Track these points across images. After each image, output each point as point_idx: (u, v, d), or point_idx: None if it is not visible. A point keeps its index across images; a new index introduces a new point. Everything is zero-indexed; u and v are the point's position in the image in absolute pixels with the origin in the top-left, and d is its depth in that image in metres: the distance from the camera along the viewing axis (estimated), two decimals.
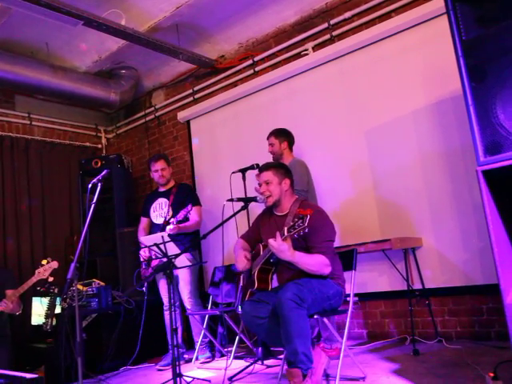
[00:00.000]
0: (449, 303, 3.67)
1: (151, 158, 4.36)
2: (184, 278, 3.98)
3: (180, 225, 3.83)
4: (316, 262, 2.59)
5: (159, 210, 4.24)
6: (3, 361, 3.70)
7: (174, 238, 3.49)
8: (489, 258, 3.37)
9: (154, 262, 3.85)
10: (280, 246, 2.46)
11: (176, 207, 4.08)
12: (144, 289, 4.01)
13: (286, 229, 2.45)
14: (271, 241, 2.49)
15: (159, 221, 4.19)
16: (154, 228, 4.17)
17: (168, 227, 3.81)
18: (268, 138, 3.88)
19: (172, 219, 3.86)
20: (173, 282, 2.43)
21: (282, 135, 3.82)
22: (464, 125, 3.56)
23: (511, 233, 2.02)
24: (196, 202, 4.14)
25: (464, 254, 3.60)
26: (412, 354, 3.23)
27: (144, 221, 4.38)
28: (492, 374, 2.27)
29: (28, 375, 2.67)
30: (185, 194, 4.19)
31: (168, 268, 2.32)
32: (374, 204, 4.07)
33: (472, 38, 2.08)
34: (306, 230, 2.39)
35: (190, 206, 3.68)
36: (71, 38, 4.89)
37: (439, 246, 3.71)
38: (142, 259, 3.99)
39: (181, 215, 3.68)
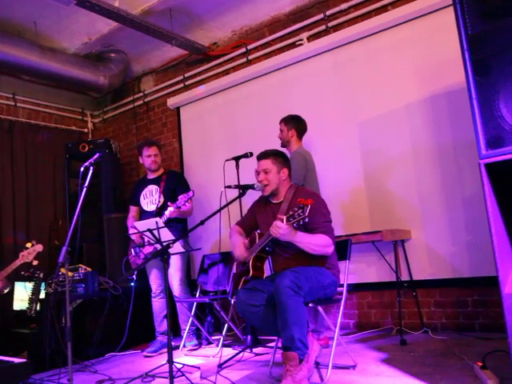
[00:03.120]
0: (435, 295, 3.74)
1: (144, 143, 4.30)
2: (175, 264, 3.96)
3: (180, 209, 3.79)
4: (319, 242, 2.61)
5: (150, 197, 4.18)
6: None
7: (167, 224, 3.46)
8: (476, 251, 3.48)
9: (147, 249, 3.80)
10: (280, 228, 2.46)
11: (167, 194, 4.05)
12: (134, 276, 3.97)
13: (285, 217, 2.45)
14: (271, 228, 2.49)
15: (151, 208, 4.13)
16: (144, 215, 4.11)
17: (169, 209, 3.75)
18: (280, 123, 3.83)
19: (167, 210, 3.80)
20: (166, 269, 2.41)
21: (291, 122, 3.76)
22: (456, 120, 3.66)
23: (509, 225, 2.06)
24: (188, 188, 4.11)
25: (452, 247, 3.66)
26: (399, 344, 3.28)
27: (133, 209, 4.32)
28: (481, 364, 2.33)
29: (16, 360, 2.63)
30: (176, 181, 4.16)
31: (166, 253, 2.29)
32: (364, 196, 4.10)
33: (477, 32, 2.09)
34: (306, 220, 2.39)
35: (191, 192, 3.64)
36: (60, 18, 4.77)
37: (428, 239, 3.77)
38: (133, 245, 3.94)
39: (181, 201, 3.64)
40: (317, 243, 2.61)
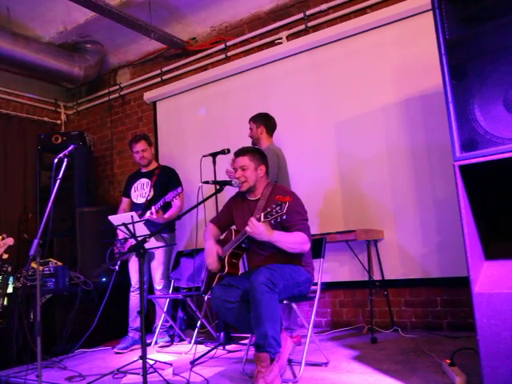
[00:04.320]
0: (405, 294, 3.82)
1: (131, 139, 4.28)
2: (158, 258, 3.96)
3: (165, 215, 3.85)
4: (295, 240, 2.63)
5: (140, 190, 4.17)
6: None
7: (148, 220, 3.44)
8: (446, 252, 3.57)
9: (129, 243, 3.75)
10: (256, 228, 2.47)
11: (158, 189, 4.04)
12: (117, 267, 3.91)
13: (262, 214, 2.45)
14: (247, 227, 2.49)
15: (140, 201, 4.12)
16: (134, 208, 4.08)
17: (148, 214, 3.74)
18: (249, 122, 3.84)
19: (153, 206, 3.78)
20: (143, 264, 2.38)
21: (259, 120, 3.78)
22: (430, 123, 3.74)
23: (479, 226, 2.11)
24: (179, 185, 4.08)
25: (423, 247, 3.74)
26: (370, 342, 3.33)
27: (125, 201, 4.30)
28: (449, 361, 2.39)
29: None
30: (168, 177, 4.14)
31: (141, 248, 2.26)
32: (339, 195, 4.15)
33: (455, 37, 2.14)
34: (284, 217, 2.40)
35: (180, 189, 3.62)
36: (35, 5, 4.65)
37: (399, 239, 3.84)
38: (120, 237, 3.89)
39: (170, 196, 3.62)
40: (294, 241, 2.62)
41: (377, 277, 3.86)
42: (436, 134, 3.67)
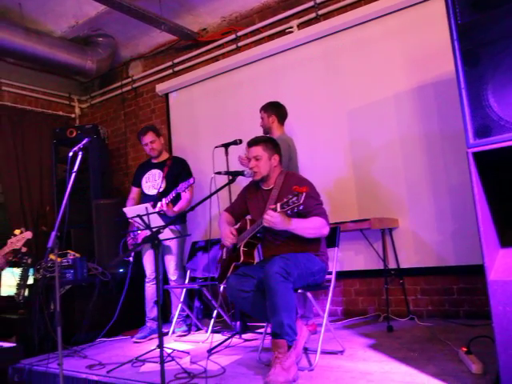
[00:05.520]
0: (421, 283, 3.80)
1: (139, 132, 4.26)
2: (172, 249, 3.99)
3: (175, 209, 3.86)
4: (314, 225, 2.63)
5: (152, 182, 4.17)
6: None
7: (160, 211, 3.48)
8: (461, 240, 3.54)
9: (142, 234, 3.80)
10: (274, 218, 2.47)
11: (170, 180, 4.03)
12: (131, 259, 3.97)
13: (279, 205, 2.45)
14: (265, 219, 2.49)
15: (152, 192, 4.12)
16: (145, 199, 4.10)
17: (159, 204, 3.76)
18: (260, 111, 3.82)
19: (163, 199, 3.80)
20: (158, 254, 2.41)
21: (270, 109, 3.76)
22: (443, 110, 3.70)
23: (494, 213, 2.10)
24: (191, 176, 4.09)
25: (438, 235, 3.72)
26: (386, 331, 3.34)
27: (134, 190, 4.30)
28: (465, 349, 2.39)
29: (5, 344, 2.63)
30: (179, 168, 4.13)
31: (156, 239, 2.29)
32: (352, 184, 4.14)
33: (467, 22, 2.10)
34: (301, 208, 2.40)
35: (192, 180, 3.64)
36: (46, 0, 4.68)
37: (414, 228, 3.82)
38: (132, 228, 3.94)
39: (181, 187, 3.64)
40: (312, 226, 2.63)
41: (392, 265, 3.85)
42: (449, 121, 3.63)
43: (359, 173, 4.12)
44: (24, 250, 3.83)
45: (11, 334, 4.01)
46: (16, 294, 4.10)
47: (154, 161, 4.25)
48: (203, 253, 4.28)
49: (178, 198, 3.94)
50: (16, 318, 4.07)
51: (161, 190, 4.06)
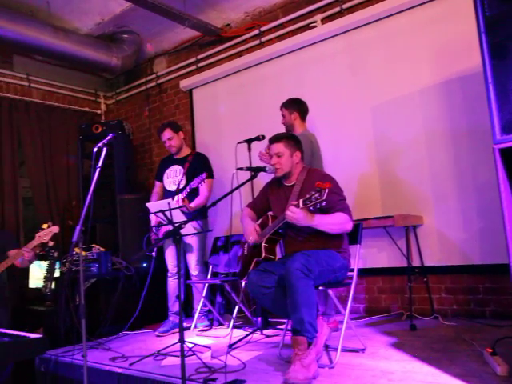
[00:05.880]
0: (446, 281, 3.73)
1: (158, 129, 4.28)
2: (192, 245, 4.01)
3: (192, 205, 3.87)
4: (337, 221, 2.60)
5: (173, 177, 4.18)
6: (4, 321, 3.72)
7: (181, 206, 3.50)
8: (487, 238, 3.46)
9: (164, 229, 3.84)
10: (296, 214, 2.46)
11: (190, 176, 4.02)
12: (153, 253, 4.02)
13: (301, 201, 2.44)
14: (287, 214, 2.48)
15: (172, 188, 4.14)
16: (166, 194, 4.13)
17: (175, 198, 3.79)
18: (280, 109, 3.80)
19: (179, 194, 3.82)
20: (180, 249, 2.43)
21: (291, 106, 3.73)
22: (470, 105, 3.61)
23: None
24: (210, 174, 4.08)
25: (463, 233, 3.64)
26: (409, 329, 3.29)
27: (158, 185, 4.33)
28: (490, 350, 2.33)
29: (31, 335, 2.70)
30: (200, 164, 4.10)
31: (178, 234, 2.31)
32: (376, 181, 4.09)
33: (495, 14, 2.05)
34: (324, 204, 2.38)
35: (204, 174, 3.65)
36: None
37: (439, 225, 3.75)
38: (152, 224, 3.98)
39: (195, 183, 3.66)
40: (335, 222, 2.60)
41: (416, 263, 3.79)
42: (477, 117, 3.53)
43: (383, 169, 4.06)
44: (51, 243, 3.93)
45: (39, 326, 4.12)
46: (43, 286, 4.20)
47: (176, 157, 4.25)
48: (225, 248, 4.30)
49: (197, 193, 3.95)
50: (43, 310, 4.18)
51: (181, 186, 4.07)
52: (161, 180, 4.29)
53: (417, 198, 3.86)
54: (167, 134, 4.15)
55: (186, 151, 4.26)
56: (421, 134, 3.87)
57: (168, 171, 4.24)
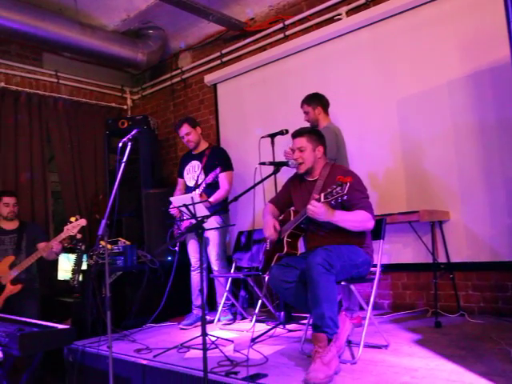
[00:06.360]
0: (473, 278, 3.66)
1: (175, 125, 4.31)
2: (213, 240, 4.02)
3: (211, 199, 3.88)
4: (358, 218, 2.58)
5: (192, 173, 4.20)
6: (34, 312, 3.84)
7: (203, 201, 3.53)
8: None
9: (185, 223, 3.88)
10: (317, 208, 2.45)
11: (208, 170, 4.03)
12: (176, 248, 4.06)
13: (322, 195, 2.43)
14: (308, 208, 2.47)
15: (192, 183, 4.16)
16: (187, 190, 4.16)
17: (195, 192, 3.82)
18: (301, 107, 3.77)
19: (197, 190, 3.85)
20: (202, 243, 2.45)
21: (314, 101, 3.71)
22: (501, 97, 3.51)
23: None
24: (228, 166, 4.08)
25: (491, 229, 3.55)
26: (434, 326, 3.24)
27: (180, 182, 4.36)
28: None
29: (59, 326, 2.77)
30: (217, 158, 4.11)
31: (200, 228, 2.33)
32: (401, 175, 4.03)
33: None
34: (345, 198, 2.37)
35: (218, 169, 3.66)
36: None
37: (467, 221, 3.67)
38: (174, 218, 4.02)
39: (209, 178, 3.69)
40: (356, 219, 2.58)
41: (442, 259, 3.73)
42: (506, 109, 3.44)
43: (409, 163, 4.00)
44: (79, 236, 4.01)
45: (67, 317, 4.23)
46: (71, 278, 4.31)
47: (194, 152, 4.26)
48: (248, 243, 4.31)
49: (218, 187, 3.97)
50: (71, 302, 4.28)
51: (199, 181, 4.07)
52: (182, 176, 4.32)
53: (443, 193, 3.78)
54: (185, 129, 4.15)
55: (203, 145, 4.26)
56: (448, 128, 3.79)
57: (188, 167, 4.26)
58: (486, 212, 3.57)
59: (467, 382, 2.08)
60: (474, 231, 3.63)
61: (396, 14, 4.08)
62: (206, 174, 4.03)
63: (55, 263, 4.76)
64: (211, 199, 3.91)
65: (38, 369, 3.30)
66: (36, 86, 5.57)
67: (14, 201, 4.17)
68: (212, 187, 3.97)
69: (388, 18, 4.13)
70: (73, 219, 3.89)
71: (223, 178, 4.00)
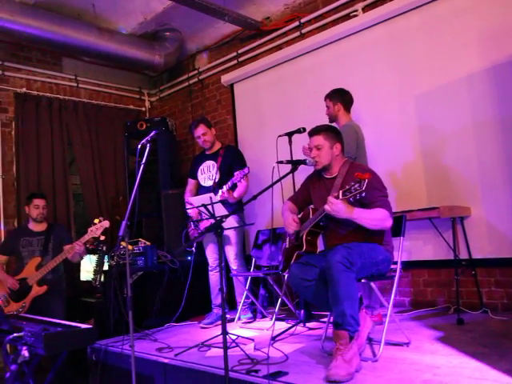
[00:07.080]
0: (496, 274, 3.60)
1: (190, 126, 4.33)
2: (230, 239, 4.04)
3: (235, 195, 3.91)
4: (376, 216, 2.57)
5: (207, 173, 4.22)
6: (60, 312, 3.92)
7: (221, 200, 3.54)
8: None
9: (203, 223, 3.91)
10: (335, 205, 2.45)
11: (224, 170, 4.07)
12: (193, 249, 4.09)
13: (341, 192, 2.43)
14: (326, 205, 2.47)
15: (208, 183, 4.18)
16: (201, 190, 4.17)
17: (220, 192, 3.84)
18: (325, 100, 3.77)
19: (224, 186, 3.88)
20: (221, 243, 2.46)
21: (335, 97, 3.69)
22: None
23: None
24: (244, 164, 4.11)
25: None
26: (456, 323, 3.20)
27: (191, 182, 4.38)
28: None
29: (82, 325, 2.82)
30: (232, 157, 4.14)
31: (219, 228, 2.35)
32: (421, 171, 3.99)
33: None
34: (363, 195, 2.36)
35: (247, 169, 3.69)
36: None
37: (488, 216, 3.61)
38: (192, 219, 4.06)
39: (237, 177, 3.70)
40: (374, 217, 2.57)
41: (463, 256, 3.67)
42: None
43: (428, 159, 3.95)
44: (102, 238, 4.07)
45: (90, 316, 4.30)
46: (93, 279, 4.38)
47: (208, 152, 4.28)
48: (267, 241, 4.32)
49: (233, 187, 3.98)
50: (94, 302, 4.36)
51: (217, 180, 4.09)
52: (194, 177, 4.32)
53: (464, 189, 3.73)
54: (201, 129, 4.18)
55: (217, 146, 4.28)
56: (468, 122, 3.73)
57: (202, 167, 4.27)
58: (508, 207, 3.51)
59: (491, 379, 2.05)
60: (496, 227, 3.57)
61: (413, 9, 4.03)
62: (222, 174, 4.06)
63: (78, 264, 4.84)
64: (235, 194, 3.93)
65: (62, 368, 3.36)
66: (56, 90, 5.67)
67: (44, 203, 4.25)
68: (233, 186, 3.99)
69: (404, 12, 4.08)
70: (96, 221, 3.95)
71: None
